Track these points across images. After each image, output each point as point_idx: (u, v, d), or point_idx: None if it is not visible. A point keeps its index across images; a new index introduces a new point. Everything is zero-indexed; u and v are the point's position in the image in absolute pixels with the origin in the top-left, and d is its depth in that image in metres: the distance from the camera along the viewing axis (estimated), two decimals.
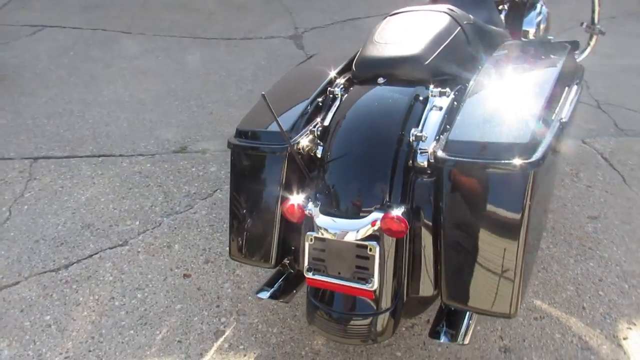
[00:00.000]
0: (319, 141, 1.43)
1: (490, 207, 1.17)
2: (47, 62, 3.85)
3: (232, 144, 1.50)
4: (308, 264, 1.33)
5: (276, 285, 1.55)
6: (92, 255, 2.06)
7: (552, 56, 1.50)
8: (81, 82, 3.54)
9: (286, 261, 1.51)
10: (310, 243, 1.31)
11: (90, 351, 1.68)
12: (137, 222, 2.23)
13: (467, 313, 1.35)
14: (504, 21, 2.15)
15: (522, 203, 1.13)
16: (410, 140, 1.28)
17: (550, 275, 1.94)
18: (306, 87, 1.58)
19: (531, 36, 2.24)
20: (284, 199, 1.35)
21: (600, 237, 2.13)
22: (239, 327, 1.75)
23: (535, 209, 1.18)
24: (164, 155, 2.72)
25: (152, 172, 2.58)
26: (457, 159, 1.19)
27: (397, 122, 1.32)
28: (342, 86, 1.53)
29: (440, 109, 1.37)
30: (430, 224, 1.30)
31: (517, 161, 1.13)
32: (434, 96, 1.38)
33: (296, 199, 1.31)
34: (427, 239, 1.31)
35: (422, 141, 1.28)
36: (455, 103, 1.40)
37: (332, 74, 1.60)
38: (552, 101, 1.30)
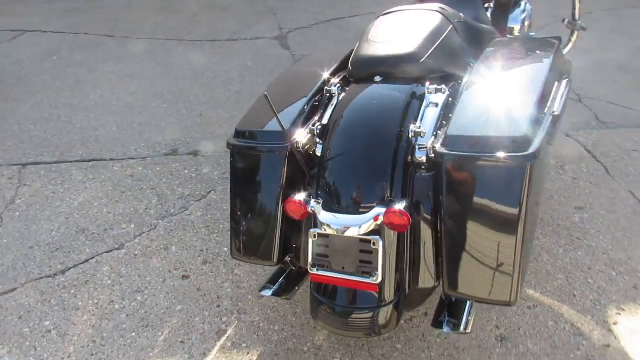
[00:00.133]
0: (318, 139, 1.45)
1: (489, 199, 1.21)
2: (30, 67, 3.81)
3: (232, 145, 1.52)
4: (312, 260, 1.35)
5: (278, 283, 1.57)
6: (88, 260, 2.06)
7: (542, 52, 1.55)
8: (66, 86, 3.51)
9: (287, 259, 1.53)
10: (314, 240, 1.34)
11: (92, 355, 1.68)
12: (133, 226, 2.24)
13: (468, 303, 1.39)
14: (490, 19, 2.20)
15: (520, 195, 1.17)
16: (410, 136, 1.32)
17: (542, 265, 2.00)
18: (302, 87, 1.60)
19: (516, 33, 2.30)
20: (286, 197, 1.37)
21: (587, 227, 2.19)
22: (240, 326, 1.77)
23: (532, 200, 1.22)
24: (156, 158, 2.72)
25: (144, 175, 2.58)
26: (456, 153, 1.22)
27: (396, 119, 1.36)
28: (338, 85, 1.56)
29: (437, 105, 1.40)
30: (430, 217, 1.34)
31: (515, 154, 1.17)
32: (430, 93, 1.42)
33: (298, 196, 1.33)
34: (427, 232, 1.35)
35: (421, 137, 1.32)
36: (451, 99, 1.44)
37: (327, 73, 1.63)
38: (544, 95, 1.34)
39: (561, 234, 2.16)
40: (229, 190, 2.42)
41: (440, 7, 1.66)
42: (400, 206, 1.24)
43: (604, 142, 2.81)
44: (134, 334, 1.75)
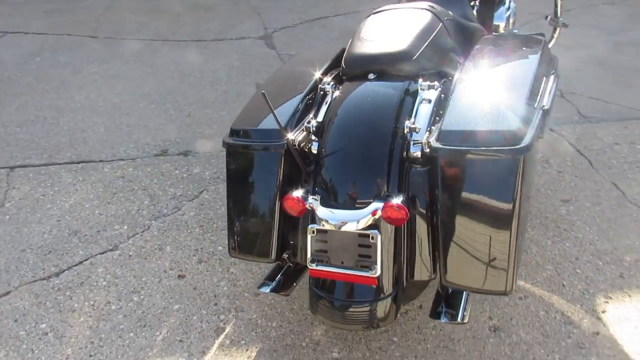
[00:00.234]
0: (313, 137, 1.48)
1: (484, 192, 1.24)
2: (13, 69, 3.76)
3: (227, 143, 1.53)
4: (311, 256, 1.37)
5: (276, 280, 1.59)
6: (82, 262, 2.05)
7: (530, 48, 1.59)
8: (51, 88, 3.47)
9: (285, 255, 1.55)
10: (313, 235, 1.36)
11: (91, 356, 1.68)
12: (126, 227, 2.23)
13: (464, 294, 1.43)
14: (476, 17, 2.24)
15: (514, 186, 1.21)
16: (405, 132, 1.35)
17: (531, 257, 2.04)
18: (295, 86, 1.62)
19: (501, 30, 2.35)
20: (283, 194, 1.39)
21: (574, 218, 2.25)
22: (238, 324, 1.78)
23: (525, 192, 1.26)
24: (146, 159, 2.72)
25: (135, 176, 2.57)
26: (451, 147, 1.25)
27: (391, 115, 1.38)
28: (331, 83, 1.58)
29: (430, 101, 1.44)
30: (425, 211, 1.37)
31: (509, 147, 1.20)
32: (423, 90, 1.45)
33: (295, 193, 1.35)
34: (422, 225, 1.38)
35: (416, 132, 1.35)
36: (443, 95, 1.47)
37: (320, 71, 1.65)
38: (534, 90, 1.38)
39: (549, 226, 2.21)
40: (221, 189, 2.46)
41: (430, 5, 1.69)
42: (397, 200, 1.27)
43: (587, 136, 2.88)
44: (131, 334, 1.75)
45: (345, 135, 1.39)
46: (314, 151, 1.48)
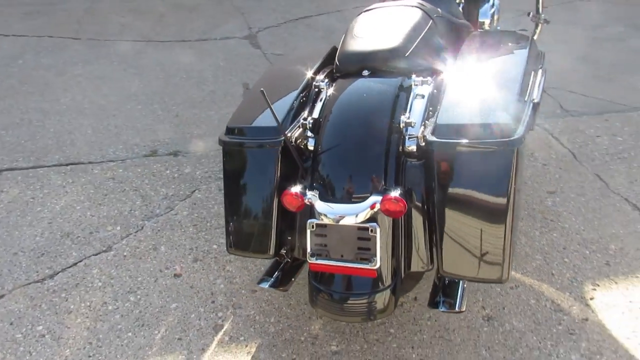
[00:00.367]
0: (310, 133, 1.50)
1: (480, 183, 1.28)
2: None
3: (224, 141, 1.55)
4: (311, 250, 1.40)
5: (275, 275, 1.61)
6: (76, 263, 2.04)
7: (518, 44, 1.64)
8: (35, 90, 3.43)
9: (283, 251, 1.57)
10: (312, 230, 1.39)
11: (90, 356, 1.68)
12: (119, 227, 2.23)
13: (460, 283, 1.47)
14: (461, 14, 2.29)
15: (509, 177, 1.25)
16: (401, 126, 1.38)
17: (520, 248, 2.10)
18: (289, 84, 1.64)
19: (487, 27, 2.40)
20: (281, 190, 1.41)
21: (560, 209, 2.31)
22: (236, 320, 1.80)
23: (518, 183, 1.30)
24: (135, 159, 2.71)
25: (125, 177, 2.56)
26: (446, 140, 1.29)
27: (386, 110, 1.42)
28: (325, 80, 1.61)
29: (423, 97, 1.47)
30: (421, 203, 1.40)
31: (503, 139, 1.24)
32: (417, 85, 1.48)
33: (294, 189, 1.37)
34: (418, 218, 1.42)
35: (411, 127, 1.38)
36: (435, 91, 1.51)
37: (312, 69, 1.67)
38: (524, 84, 1.43)
39: (536, 217, 2.27)
40: (213, 188, 2.47)
41: (419, 3, 1.73)
42: (395, 193, 1.30)
43: (569, 129, 2.95)
44: (130, 334, 1.75)
45: (342, 131, 1.42)
46: (310, 147, 1.51)
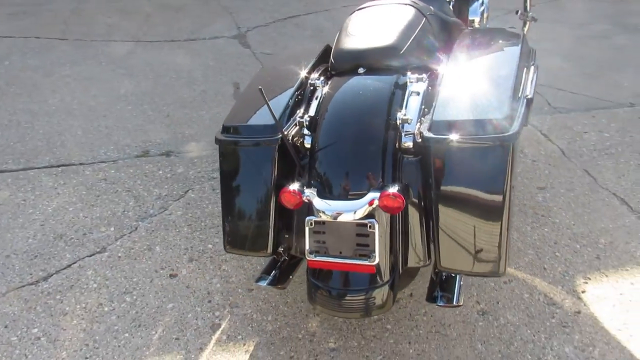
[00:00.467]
0: (306, 131, 1.51)
1: (477, 178, 1.30)
2: None
3: (220, 140, 1.55)
4: (310, 247, 1.41)
5: (273, 273, 1.61)
6: (70, 265, 2.03)
7: (511, 41, 1.66)
8: (23, 91, 3.40)
9: (280, 249, 1.58)
10: (311, 227, 1.39)
11: (86, 358, 1.67)
12: (112, 228, 2.21)
13: (458, 278, 1.48)
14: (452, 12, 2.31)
15: (505, 172, 1.27)
16: (397, 123, 1.39)
17: (512, 243, 2.12)
18: (284, 83, 1.65)
19: (476, 24, 2.43)
20: (279, 188, 1.42)
21: (550, 205, 2.35)
22: (234, 319, 1.80)
23: (514, 177, 1.32)
24: (127, 160, 2.69)
25: (117, 177, 2.55)
26: (443, 136, 1.30)
27: (383, 107, 1.43)
28: (321, 78, 1.61)
29: (418, 94, 1.48)
30: (419, 199, 1.42)
31: (499, 135, 1.26)
32: (412, 82, 1.49)
33: (292, 186, 1.38)
34: (415, 214, 1.43)
35: (408, 124, 1.39)
36: (430, 88, 1.52)
37: (306, 68, 1.68)
38: (517, 80, 1.45)
39: (527, 212, 2.30)
40: (206, 188, 2.46)
41: (412, 1, 1.75)
42: (393, 189, 1.31)
43: (557, 125, 3.00)
44: (127, 335, 1.75)
45: (339, 128, 1.43)
46: (307, 145, 1.52)
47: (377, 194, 1.32)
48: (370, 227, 1.34)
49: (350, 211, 1.33)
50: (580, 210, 2.30)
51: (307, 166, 1.47)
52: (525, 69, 1.59)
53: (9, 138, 2.88)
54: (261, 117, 1.52)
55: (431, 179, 1.34)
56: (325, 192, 1.38)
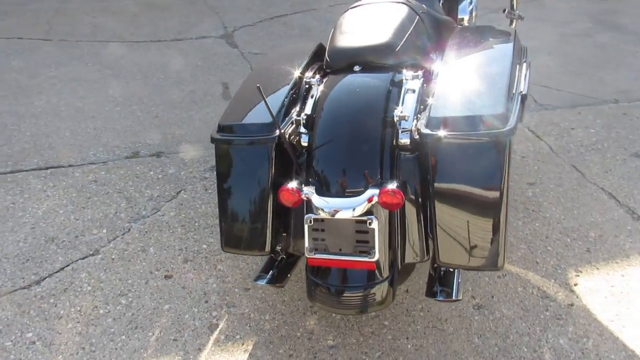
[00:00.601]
0: (303, 129, 1.51)
1: (474, 174, 1.31)
2: None
3: (216, 139, 1.54)
4: (309, 245, 1.41)
5: (271, 272, 1.61)
6: (63, 268, 2.00)
7: (503, 38, 1.68)
8: (8, 93, 3.34)
9: (278, 248, 1.58)
10: (310, 225, 1.40)
11: None
12: (105, 230, 2.19)
13: (456, 272, 1.50)
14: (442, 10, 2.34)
15: (502, 167, 1.29)
16: (395, 120, 1.40)
17: None
18: (278, 81, 1.65)
19: (465, 23, 2.45)
20: (277, 186, 1.42)
21: (540, 200, 2.38)
22: (231, 319, 1.79)
23: (510, 173, 1.34)
24: (117, 161, 2.67)
25: (108, 179, 2.52)
26: (441, 133, 1.32)
27: (380, 105, 1.44)
28: (316, 77, 1.62)
29: (414, 91, 1.50)
30: (417, 195, 1.43)
31: (496, 130, 1.28)
32: (407, 80, 1.51)
33: (290, 184, 1.38)
34: (413, 210, 1.44)
35: (405, 121, 1.40)
36: (426, 85, 1.54)
37: (300, 67, 1.68)
38: (512, 77, 1.47)
39: (518, 208, 2.33)
40: (199, 188, 2.45)
41: None
42: (392, 186, 1.32)
43: (545, 122, 3.04)
44: (123, 337, 1.73)
45: (337, 126, 1.44)
46: (304, 144, 1.52)
47: (377, 191, 1.33)
48: (369, 223, 1.35)
49: (349, 208, 1.34)
50: (570, 204, 2.34)
51: (305, 164, 1.47)
52: (518, 65, 1.61)
53: None
54: (257, 116, 1.52)
55: (429, 175, 1.36)
56: (324, 190, 1.39)
